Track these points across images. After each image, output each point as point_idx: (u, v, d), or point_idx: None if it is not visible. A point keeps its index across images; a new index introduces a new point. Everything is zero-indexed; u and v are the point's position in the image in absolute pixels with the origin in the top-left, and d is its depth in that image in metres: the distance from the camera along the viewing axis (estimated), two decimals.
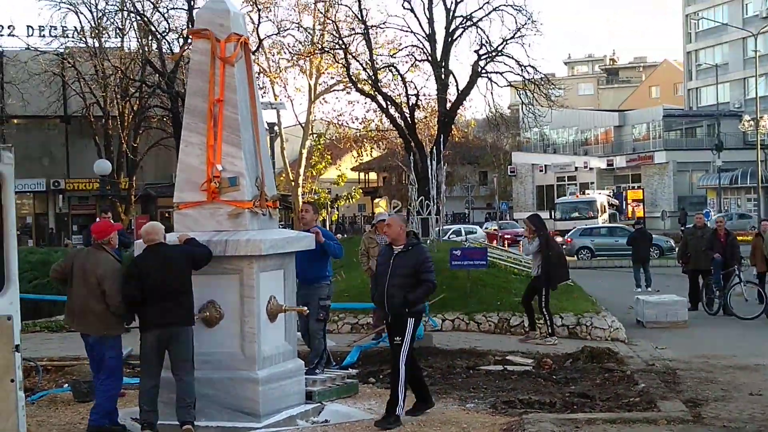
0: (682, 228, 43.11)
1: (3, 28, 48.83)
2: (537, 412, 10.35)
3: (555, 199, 76.41)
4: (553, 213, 54.66)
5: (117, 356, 9.57)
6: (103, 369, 9.52)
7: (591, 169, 75.49)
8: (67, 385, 12.02)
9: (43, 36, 48.09)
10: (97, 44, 45.35)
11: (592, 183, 73.71)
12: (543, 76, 40.42)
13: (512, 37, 38.41)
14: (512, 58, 39.25)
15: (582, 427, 9.43)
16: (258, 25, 43.96)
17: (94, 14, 44.95)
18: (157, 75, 43.07)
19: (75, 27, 46.52)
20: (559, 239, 42.89)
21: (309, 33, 45.63)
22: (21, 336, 16.01)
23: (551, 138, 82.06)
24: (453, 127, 42.34)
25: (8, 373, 6.28)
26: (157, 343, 9.24)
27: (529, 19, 38.22)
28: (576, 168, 77.13)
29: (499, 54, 39.17)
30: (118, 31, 45.96)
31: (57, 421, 10.17)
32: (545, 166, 79.87)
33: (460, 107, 41.30)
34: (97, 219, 17.55)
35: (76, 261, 9.73)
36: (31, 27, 49.01)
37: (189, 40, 39.19)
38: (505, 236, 51.22)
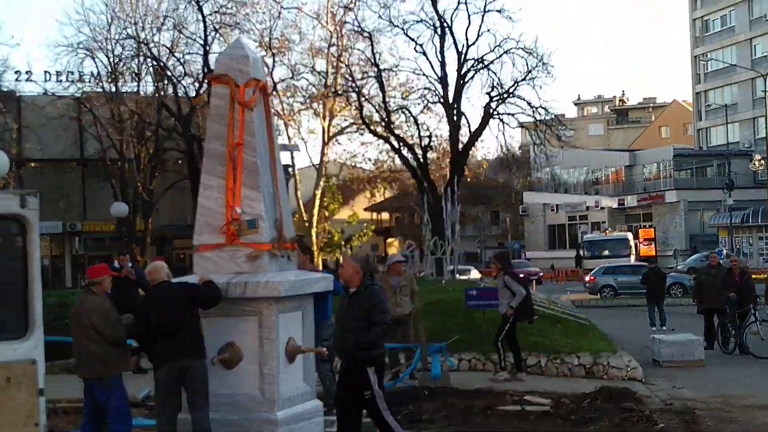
0: (693, 267, 42.94)
1: (21, 73, 49.33)
2: None
3: (567, 237, 76.49)
4: (581, 251, 53.97)
5: (121, 397, 9.61)
6: (110, 412, 9.54)
7: (602, 208, 75.50)
8: None
9: (60, 81, 48.58)
10: (113, 89, 45.86)
11: (603, 222, 73.66)
12: (554, 116, 40.65)
13: (523, 79, 38.78)
14: (523, 99, 39.63)
15: None
16: (272, 69, 44.50)
17: (111, 59, 45.53)
18: (173, 118, 43.47)
19: (92, 72, 47.08)
20: (587, 278, 42.99)
21: (322, 76, 46.08)
22: None
23: (562, 178, 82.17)
24: (465, 167, 42.53)
25: (32, 416, 6.35)
26: (169, 378, 9.28)
27: (540, 61, 38.59)
28: (587, 207, 77.15)
29: (511, 95, 39.51)
30: (134, 75, 46.51)
31: None
32: (556, 205, 79.92)
33: (472, 148, 41.54)
34: (115, 262, 17.68)
35: (73, 308, 9.91)
36: (49, 72, 49.45)
37: (207, 85, 39.68)
38: (519, 275, 51.19)
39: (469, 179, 50.51)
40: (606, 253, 50.19)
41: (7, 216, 6.42)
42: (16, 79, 48.75)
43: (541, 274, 57.25)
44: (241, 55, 10.56)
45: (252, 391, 9.77)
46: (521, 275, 49.87)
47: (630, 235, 56.50)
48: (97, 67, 46.43)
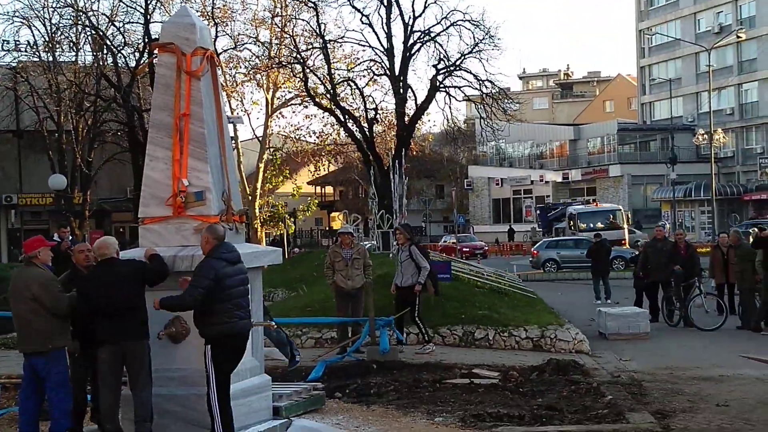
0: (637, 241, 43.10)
1: None
2: (507, 425, 10.34)
3: (512, 211, 76.85)
4: (574, 222, 50.69)
5: (63, 370, 9.38)
6: (51, 385, 9.32)
7: (547, 182, 76.10)
8: None
9: None
10: (50, 58, 44.86)
11: (548, 196, 74.21)
12: (500, 90, 40.69)
13: (470, 52, 38.72)
14: (470, 72, 39.54)
15: None
16: (215, 39, 43.75)
17: (48, 28, 44.54)
18: (113, 89, 42.70)
19: (28, 41, 46.10)
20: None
21: (266, 47, 45.58)
22: None
23: (507, 152, 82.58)
24: (411, 140, 42.46)
25: None
26: (112, 358, 9.09)
27: (486, 34, 38.58)
28: (532, 181, 77.71)
29: (457, 68, 39.41)
30: (72, 45, 45.53)
31: None
32: (501, 179, 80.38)
33: (419, 121, 41.44)
34: (54, 234, 17.29)
35: (11, 282, 9.62)
36: None
37: (149, 55, 39.02)
38: (464, 249, 51.40)
39: (414, 153, 50.42)
40: (600, 225, 47.63)
41: None
42: None
43: (486, 248, 57.61)
44: (187, 24, 10.30)
45: (199, 366, 9.56)
46: (466, 249, 49.82)
47: (622, 207, 54.86)
48: (33, 35, 45.46)
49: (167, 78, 10.20)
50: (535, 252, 42.88)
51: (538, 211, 64.13)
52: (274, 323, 10.93)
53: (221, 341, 8.91)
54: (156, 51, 10.94)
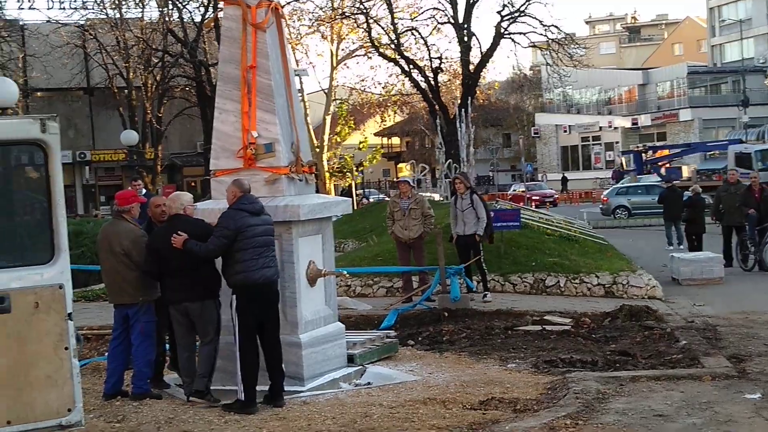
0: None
1: (24, 1, 48.91)
2: (579, 370, 10.34)
3: (581, 158, 75.85)
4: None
5: (150, 321, 9.58)
6: (137, 334, 9.52)
7: (615, 128, 75.03)
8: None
9: (64, 8, 48.02)
10: (117, 15, 45.32)
11: (617, 143, 73.23)
12: (566, 35, 40.12)
13: None
14: (535, 18, 39.00)
15: (626, 385, 9.41)
16: None
17: None
18: (180, 44, 43.04)
19: None
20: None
21: None
22: None
23: (574, 98, 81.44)
24: (477, 89, 42.17)
25: (62, 341, 6.34)
26: (179, 316, 9.29)
27: None
28: (600, 128, 76.67)
29: (522, 14, 38.91)
30: (138, 1, 45.90)
31: (101, 388, 10.21)
32: (569, 126, 79.41)
33: (484, 69, 41.09)
34: (129, 187, 17.56)
35: (101, 234, 9.79)
36: (52, 0, 49.02)
37: (214, 9, 39.17)
38: (533, 197, 50.97)
39: (480, 101, 50.04)
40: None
41: (28, 141, 6.31)
42: (19, 7, 48.62)
43: (555, 196, 57.04)
44: None
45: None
46: (536, 197, 49.19)
47: None
48: None
49: (233, 31, 10.28)
50: (605, 199, 42.39)
51: (624, 156, 61.83)
52: (345, 272, 11.04)
53: (244, 290, 8.95)
54: (222, 4, 11.00)
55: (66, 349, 6.37)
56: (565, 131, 79.69)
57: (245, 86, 10.08)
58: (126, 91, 47.27)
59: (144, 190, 18.07)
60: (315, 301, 10.24)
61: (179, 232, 9.02)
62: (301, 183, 10.34)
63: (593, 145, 77.79)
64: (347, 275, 11.24)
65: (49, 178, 6.32)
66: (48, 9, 48.60)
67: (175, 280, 9.18)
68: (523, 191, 50.27)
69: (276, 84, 10.18)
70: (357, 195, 49.50)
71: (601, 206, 42.99)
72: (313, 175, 10.85)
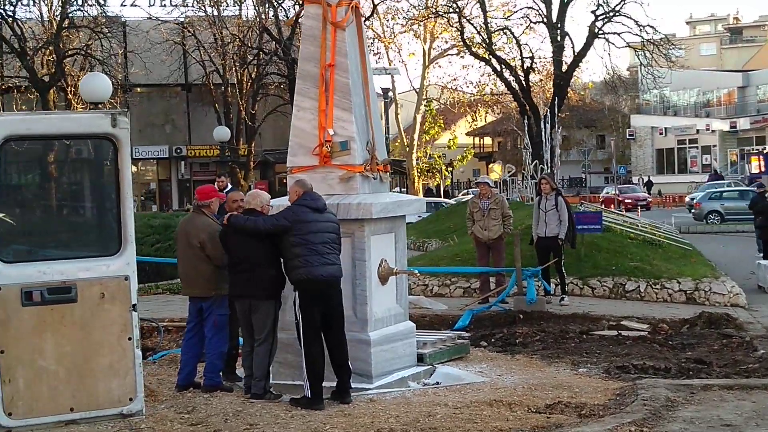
0: None
1: None
2: (651, 377, 10.20)
3: (676, 162, 74.31)
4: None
5: (223, 314, 9.75)
6: (210, 327, 9.69)
7: (713, 131, 73.30)
8: None
9: (164, 5, 49.18)
10: (215, 13, 46.12)
11: (714, 146, 71.58)
12: (663, 36, 39.41)
13: None
14: (630, 18, 38.43)
15: (697, 393, 9.24)
16: None
17: None
18: (274, 42, 43.60)
19: None
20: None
21: None
22: (143, 298, 16.61)
23: (671, 100, 79.86)
24: (569, 90, 41.73)
25: (126, 331, 6.53)
26: (242, 311, 9.44)
27: None
28: (697, 131, 74.94)
29: (617, 14, 38.37)
30: None
31: (176, 379, 10.47)
32: (665, 128, 77.81)
33: (577, 69, 40.67)
34: (215, 183, 17.88)
35: (180, 227, 10.01)
36: None
37: (301, 7, 39.60)
38: (625, 200, 50.13)
39: (573, 102, 49.48)
40: None
41: (99, 135, 6.52)
42: (121, 4, 49.54)
43: (649, 199, 55.88)
44: None
45: (346, 312, 9.84)
46: (628, 200, 48.17)
47: None
48: None
49: (313, 29, 10.43)
50: (698, 203, 41.50)
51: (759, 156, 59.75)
52: (417, 271, 11.08)
53: (306, 285, 9.00)
54: (303, 2, 11.16)
55: (129, 339, 6.56)
56: (661, 133, 78.13)
57: (323, 84, 10.22)
58: (222, 87, 48.07)
59: (229, 186, 18.37)
60: (386, 300, 10.31)
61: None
62: (375, 181, 10.42)
63: (690, 148, 76.13)
64: (418, 274, 11.26)
65: (118, 172, 6.51)
66: (149, 6, 49.62)
67: (236, 275, 9.33)
68: (615, 194, 49.57)
69: (353, 83, 10.28)
70: (447, 194, 49.47)
71: (693, 211, 42.14)
72: (388, 173, 10.93)
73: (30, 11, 42.07)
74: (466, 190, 54.86)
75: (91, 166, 6.91)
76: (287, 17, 43.06)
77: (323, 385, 9.09)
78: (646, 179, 68.94)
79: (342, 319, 9.30)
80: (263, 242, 9.18)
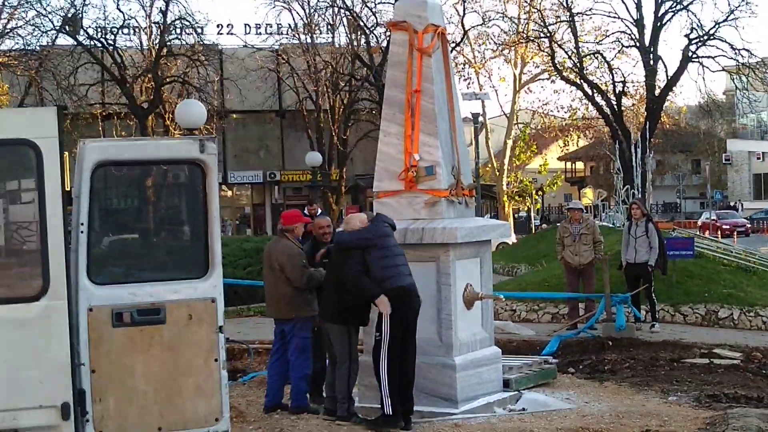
0: None
1: (222, 27, 51.29)
2: (743, 406, 9.97)
3: None
4: None
5: (306, 337, 9.88)
6: (293, 349, 9.83)
7: None
8: None
9: (260, 33, 50.15)
10: (309, 40, 46.84)
11: None
12: (759, 59, 38.61)
13: (725, 20, 36.94)
14: (725, 41, 37.77)
15: None
16: (463, 17, 44.26)
17: (307, 11, 46.50)
18: (365, 69, 44.05)
19: (289, 24, 48.29)
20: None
21: (514, 22, 45.49)
22: (236, 320, 16.87)
23: None
24: (662, 114, 41.15)
25: (212, 352, 6.66)
26: (321, 333, 9.64)
27: (743, 0, 36.61)
28: None
29: (711, 38, 37.76)
30: (329, 26, 47.32)
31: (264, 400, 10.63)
32: (763, 153, 75.94)
33: (670, 93, 40.08)
34: (305, 210, 18.16)
35: (265, 251, 10.23)
36: (248, 25, 51.23)
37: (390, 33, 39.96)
38: (723, 226, 48.91)
39: (667, 126, 48.73)
40: None
41: (188, 160, 6.70)
42: (218, 33, 50.67)
43: (748, 225, 54.35)
44: (419, 1, 10.58)
45: (430, 335, 9.89)
46: (725, 226, 46.89)
47: None
48: (293, 19, 47.63)
49: (400, 55, 10.56)
50: None
51: None
52: (502, 296, 11.07)
53: (395, 293, 8.91)
54: (390, 29, 11.30)
55: (216, 360, 6.69)
56: (759, 158, 76.28)
57: (409, 110, 10.32)
58: (315, 113, 48.73)
59: (319, 212, 18.62)
60: (471, 324, 10.32)
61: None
62: (460, 206, 10.47)
63: None
64: (503, 299, 11.26)
65: (206, 196, 6.67)
66: (245, 34, 50.68)
67: (320, 299, 9.50)
68: (713, 220, 48.46)
69: (439, 108, 10.37)
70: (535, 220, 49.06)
71: None
72: (473, 198, 10.96)
73: (130, 40, 43.39)
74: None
75: (180, 190, 7.11)
76: (379, 44, 43.49)
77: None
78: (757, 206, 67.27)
79: (414, 337, 9.25)
80: (332, 266, 9.31)
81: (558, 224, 19.58)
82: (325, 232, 10.28)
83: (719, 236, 39.51)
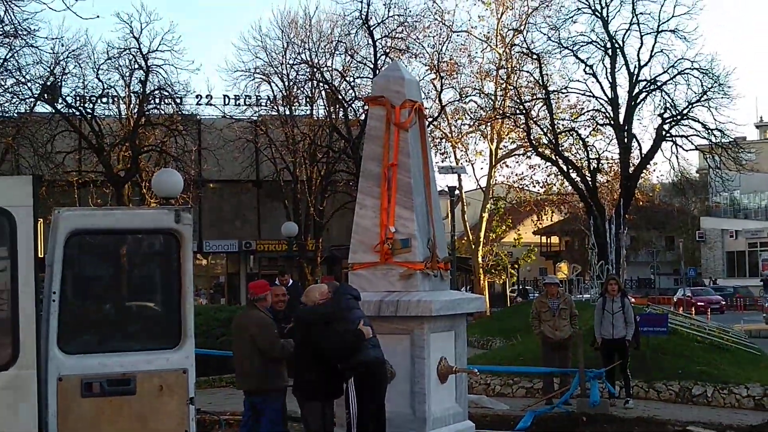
0: None
1: (201, 97, 51.59)
2: None
3: (747, 265, 73.06)
4: None
5: (277, 410, 9.80)
6: (265, 422, 9.73)
7: None
8: None
9: (238, 104, 50.45)
10: (288, 112, 47.17)
11: None
12: (732, 140, 39.17)
13: (698, 101, 37.53)
14: (698, 121, 38.31)
15: None
16: (441, 92, 44.75)
17: (286, 83, 46.87)
18: (343, 141, 44.35)
19: (268, 96, 48.63)
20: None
21: (490, 99, 46.02)
22: (207, 390, 16.67)
23: (742, 203, 78.85)
24: (637, 191, 41.55)
25: (183, 424, 6.61)
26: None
27: (715, 82, 37.28)
28: None
29: (685, 117, 38.33)
30: (307, 99, 47.70)
31: None
32: (736, 231, 76.67)
33: (644, 171, 40.52)
34: (276, 280, 18.17)
35: (234, 322, 10.20)
36: (228, 96, 51.55)
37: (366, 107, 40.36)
38: (698, 303, 49.14)
39: (641, 203, 49.19)
40: None
41: (163, 230, 6.71)
42: (197, 103, 50.95)
43: (723, 302, 54.58)
44: (397, 77, 10.74)
45: (403, 409, 9.85)
46: (700, 303, 47.05)
47: None
48: (272, 90, 47.95)
49: (377, 130, 10.68)
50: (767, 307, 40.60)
51: None
52: (476, 370, 11.04)
53: (362, 367, 8.90)
54: (368, 104, 11.43)
55: None
56: (732, 236, 76.98)
57: (386, 183, 10.41)
58: (292, 184, 48.83)
59: (290, 282, 18.58)
60: (445, 398, 10.28)
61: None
62: (435, 279, 10.51)
63: (761, 251, 74.73)
64: (478, 373, 11.21)
65: (180, 267, 6.67)
66: (224, 105, 50.96)
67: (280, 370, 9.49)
68: (688, 296, 48.65)
69: (415, 182, 10.46)
70: (511, 293, 49.11)
71: (764, 315, 41.23)
72: (448, 271, 11.00)
73: (108, 109, 43.49)
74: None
75: (154, 260, 7.10)
76: (356, 116, 43.86)
77: None
78: (731, 284, 67.60)
79: (384, 407, 9.15)
80: (303, 346, 9.16)
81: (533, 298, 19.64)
82: (279, 300, 10.38)
83: (693, 312, 39.65)
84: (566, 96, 42.79)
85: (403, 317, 9.83)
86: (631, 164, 38.73)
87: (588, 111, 41.06)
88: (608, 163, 42.23)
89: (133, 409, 6.48)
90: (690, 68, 37.61)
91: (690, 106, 37.92)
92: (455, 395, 10.50)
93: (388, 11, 42.86)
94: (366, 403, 8.92)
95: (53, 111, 40.25)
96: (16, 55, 34.08)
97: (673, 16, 38.29)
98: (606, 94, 39.15)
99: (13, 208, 6.09)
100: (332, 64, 45.42)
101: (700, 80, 37.48)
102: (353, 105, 44.60)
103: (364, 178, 10.69)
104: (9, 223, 6.02)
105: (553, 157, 39.90)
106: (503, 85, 44.79)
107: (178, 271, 6.65)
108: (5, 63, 34.08)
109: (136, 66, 40.72)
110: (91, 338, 6.77)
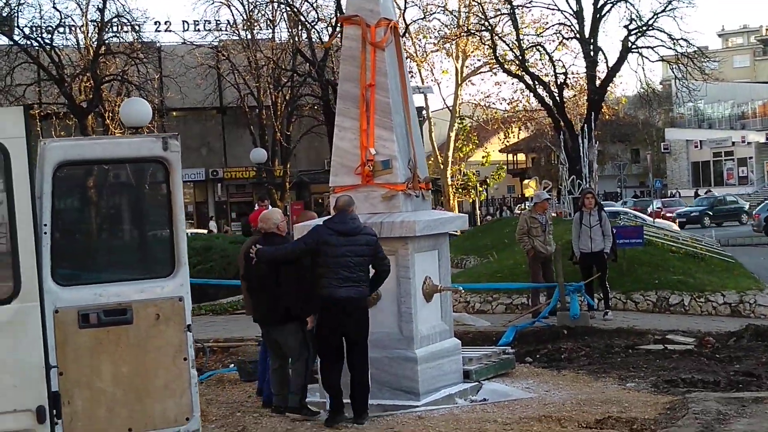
0: None
1: (160, 24, 50.74)
2: (701, 390, 10.12)
3: (712, 174, 73.79)
4: None
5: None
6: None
7: (749, 143, 72.66)
8: (232, 365, 12.48)
9: (198, 30, 49.67)
10: (249, 36, 46.53)
11: (750, 158, 70.94)
12: (696, 49, 39.23)
13: (663, 11, 37.45)
14: (663, 31, 38.27)
15: (749, 406, 9.13)
16: (404, 11, 44.27)
17: (246, 7, 46.18)
18: (308, 64, 43.89)
19: (228, 20, 47.97)
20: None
21: (455, 16, 45.66)
22: None
23: (706, 113, 79.28)
24: (603, 104, 41.61)
25: (181, 351, 6.59)
26: (265, 335, 9.64)
27: None
28: (733, 143, 74.29)
29: (650, 28, 38.26)
30: (269, 22, 47.02)
31: (225, 399, 10.57)
32: (700, 141, 77.22)
33: (610, 84, 40.54)
34: (255, 207, 18.07)
35: (242, 251, 10.10)
36: (187, 22, 50.78)
37: (339, 28, 39.83)
38: (668, 214, 49.66)
39: (607, 117, 49.32)
40: None
41: (151, 158, 6.61)
42: (156, 30, 50.15)
43: (694, 213, 55.07)
44: None
45: (391, 329, 9.91)
46: (669, 214, 47.29)
47: None
48: (233, 15, 47.30)
49: (353, 50, 10.52)
50: (757, 215, 41.02)
51: None
52: (461, 288, 11.10)
53: (325, 304, 9.00)
54: (342, 24, 11.25)
55: (185, 359, 6.62)
56: (697, 147, 77.56)
57: (364, 104, 10.29)
58: (257, 110, 48.42)
59: (269, 207, 18.51)
60: (431, 317, 10.34)
61: (255, 245, 9.22)
62: (417, 199, 10.48)
63: (726, 160, 75.49)
64: (463, 291, 11.30)
65: (170, 194, 6.59)
66: (183, 31, 50.20)
67: (257, 296, 9.44)
68: (660, 208, 49.08)
69: (394, 102, 10.36)
70: (480, 211, 49.31)
71: (752, 222, 41.70)
72: (430, 191, 10.97)
73: (67, 39, 42.69)
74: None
75: (144, 189, 7.02)
76: (320, 39, 43.33)
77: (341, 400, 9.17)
78: (693, 193, 68.14)
79: (364, 341, 9.25)
80: (274, 268, 9.13)
81: (512, 214, 19.73)
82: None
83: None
84: (530, 11, 42.58)
85: (387, 238, 9.80)
86: (597, 78, 38.70)
87: (553, 25, 40.85)
88: (575, 77, 42.20)
89: (131, 338, 6.46)
90: None
91: (655, 17, 37.87)
92: (440, 314, 10.57)
93: None
94: (322, 339, 9.12)
95: (11, 43, 39.43)
96: None
97: None
98: (571, 7, 38.96)
99: (6, 140, 5.95)
100: None
101: None
102: (316, 27, 44.03)
103: (342, 100, 10.56)
104: (3, 156, 5.89)
105: (520, 73, 39.76)
106: (467, 2, 44.37)
107: (169, 199, 6.56)
108: None
109: None
110: (85, 270, 6.70)
